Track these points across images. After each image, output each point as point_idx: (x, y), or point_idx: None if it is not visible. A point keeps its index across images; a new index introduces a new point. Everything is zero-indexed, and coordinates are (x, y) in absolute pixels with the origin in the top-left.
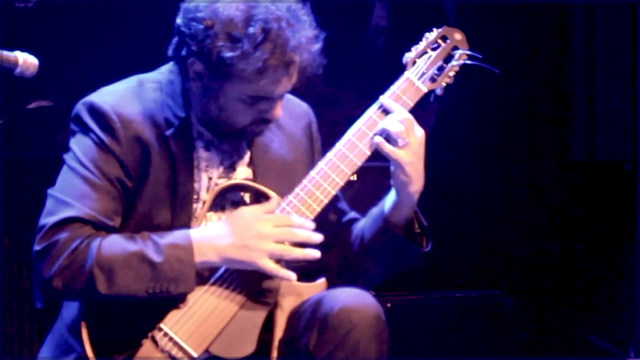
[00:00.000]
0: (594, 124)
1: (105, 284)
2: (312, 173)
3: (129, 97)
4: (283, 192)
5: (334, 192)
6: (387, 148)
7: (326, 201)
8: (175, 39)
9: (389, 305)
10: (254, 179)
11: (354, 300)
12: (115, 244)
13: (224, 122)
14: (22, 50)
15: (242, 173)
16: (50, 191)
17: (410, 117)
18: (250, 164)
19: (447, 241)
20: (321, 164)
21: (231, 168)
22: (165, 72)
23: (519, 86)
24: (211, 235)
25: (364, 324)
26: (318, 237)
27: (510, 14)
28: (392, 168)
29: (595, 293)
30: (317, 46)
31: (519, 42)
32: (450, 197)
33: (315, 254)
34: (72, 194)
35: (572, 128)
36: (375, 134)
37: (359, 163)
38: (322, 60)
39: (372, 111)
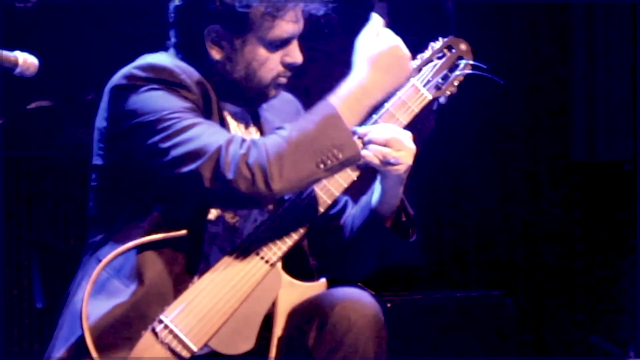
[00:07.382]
0: (593, 124)
1: (279, 178)
2: None
3: (174, 62)
4: None
5: (337, 194)
6: (389, 168)
7: (337, 193)
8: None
9: (389, 305)
10: None
11: (353, 299)
12: (274, 137)
13: (251, 79)
14: (22, 50)
15: None
16: (163, 155)
17: (396, 136)
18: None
19: (447, 241)
20: None
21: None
22: (173, 57)
23: (519, 86)
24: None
25: (363, 323)
26: None
27: (510, 14)
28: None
29: (595, 293)
30: None
31: (519, 43)
32: (450, 197)
33: None
34: (199, 136)
35: (572, 128)
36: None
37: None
38: None
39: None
